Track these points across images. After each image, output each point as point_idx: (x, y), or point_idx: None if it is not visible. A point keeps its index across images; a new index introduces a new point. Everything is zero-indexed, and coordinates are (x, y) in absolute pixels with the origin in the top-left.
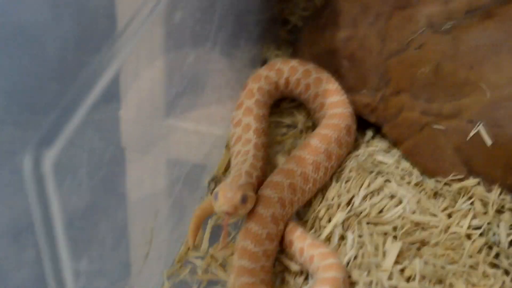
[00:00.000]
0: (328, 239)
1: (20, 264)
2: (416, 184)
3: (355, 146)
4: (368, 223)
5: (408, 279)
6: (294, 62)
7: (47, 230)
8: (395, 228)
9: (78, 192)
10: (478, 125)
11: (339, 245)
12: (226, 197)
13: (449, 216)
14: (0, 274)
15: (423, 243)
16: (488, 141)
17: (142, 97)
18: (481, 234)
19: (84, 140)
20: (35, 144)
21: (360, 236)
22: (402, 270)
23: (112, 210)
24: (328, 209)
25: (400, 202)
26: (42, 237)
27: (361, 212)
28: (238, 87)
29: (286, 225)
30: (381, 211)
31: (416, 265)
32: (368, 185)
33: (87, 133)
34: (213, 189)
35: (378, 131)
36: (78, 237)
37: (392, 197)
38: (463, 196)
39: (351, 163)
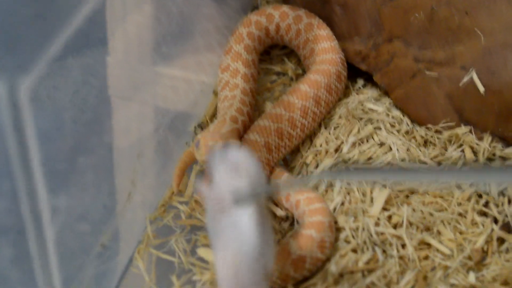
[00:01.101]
0: (316, 186)
1: None
2: (406, 132)
3: (346, 93)
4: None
5: (395, 226)
6: (285, 8)
7: (22, 160)
8: None
9: (58, 129)
10: (471, 72)
11: (326, 191)
12: (207, 145)
13: (439, 163)
14: None
15: (412, 191)
16: (481, 88)
17: (130, 42)
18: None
19: (67, 78)
20: (10, 69)
21: (348, 183)
22: (389, 217)
23: (94, 149)
24: (316, 155)
25: (390, 149)
26: (17, 167)
27: (349, 159)
28: (228, 34)
29: (272, 171)
30: (369, 158)
31: (403, 212)
32: (358, 132)
33: (72, 74)
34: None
35: (370, 79)
36: (56, 172)
37: (381, 144)
38: (454, 143)
39: (340, 110)
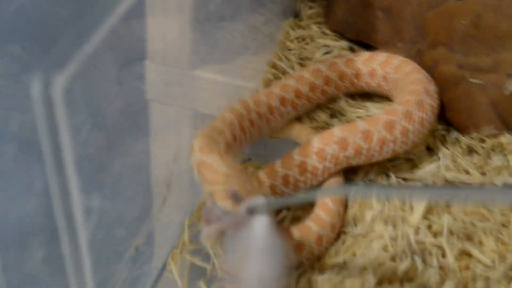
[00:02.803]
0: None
1: (27, 194)
2: (451, 140)
3: None
4: (397, 177)
5: (435, 235)
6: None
7: (56, 159)
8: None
9: (93, 128)
10: None
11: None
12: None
13: (483, 173)
14: (7, 202)
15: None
16: None
17: (169, 45)
18: None
19: (103, 78)
20: (46, 67)
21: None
22: (429, 226)
23: (130, 151)
24: None
25: (438, 158)
26: (51, 166)
27: (393, 166)
28: (268, 39)
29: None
30: (414, 167)
31: (444, 221)
32: None
33: (108, 74)
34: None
35: None
36: (90, 172)
37: (429, 150)
38: (498, 152)
39: None
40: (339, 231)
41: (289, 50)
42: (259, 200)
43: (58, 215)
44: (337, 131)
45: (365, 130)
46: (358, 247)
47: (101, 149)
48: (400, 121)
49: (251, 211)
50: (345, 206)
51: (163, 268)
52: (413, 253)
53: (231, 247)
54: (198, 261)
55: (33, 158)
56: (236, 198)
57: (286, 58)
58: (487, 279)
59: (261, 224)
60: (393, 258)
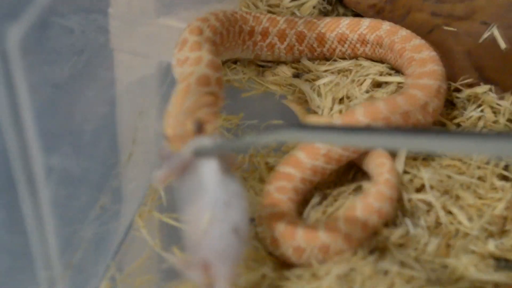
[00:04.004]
0: None
1: None
2: None
3: None
4: None
5: (418, 190)
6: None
7: (13, 116)
8: None
9: (52, 83)
10: (492, 27)
11: None
12: (175, 135)
13: (458, 125)
14: None
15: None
16: (503, 45)
17: None
18: None
19: (62, 29)
20: None
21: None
22: (411, 180)
23: (92, 106)
24: None
25: None
26: (8, 124)
27: None
28: None
29: None
30: None
31: (424, 175)
32: None
33: (67, 24)
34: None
35: None
36: (51, 130)
37: None
38: (473, 103)
39: None
40: None
41: None
42: (205, 141)
43: (17, 174)
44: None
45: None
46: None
47: (61, 104)
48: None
49: (197, 153)
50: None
51: (130, 227)
52: (403, 215)
53: (180, 194)
54: (169, 220)
55: None
56: (198, 128)
57: (254, 5)
58: (466, 235)
59: (209, 168)
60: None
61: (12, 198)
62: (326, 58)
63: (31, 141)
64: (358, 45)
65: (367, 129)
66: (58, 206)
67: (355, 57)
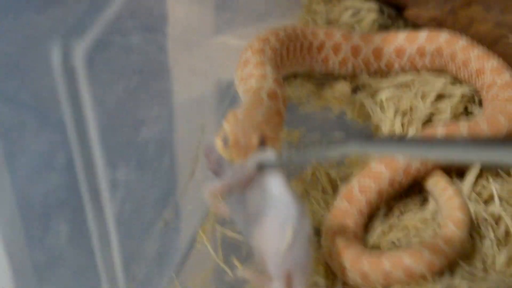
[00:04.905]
0: None
1: (50, 168)
2: None
3: None
4: None
5: (486, 202)
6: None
7: (79, 131)
8: None
9: (115, 98)
10: None
11: None
12: (238, 144)
13: None
14: (29, 177)
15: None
16: None
17: (191, 11)
18: None
19: (124, 45)
20: (64, 32)
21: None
22: (479, 193)
23: (155, 122)
24: None
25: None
26: (74, 139)
27: None
28: (293, 3)
29: None
30: None
31: (493, 186)
32: None
33: (130, 40)
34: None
35: None
36: (115, 145)
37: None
38: None
39: None
40: None
41: (315, 13)
42: (270, 155)
43: (83, 189)
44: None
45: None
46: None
47: (124, 121)
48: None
49: (261, 167)
50: None
51: (193, 241)
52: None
53: (238, 209)
54: (231, 233)
55: (55, 130)
56: (262, 144)
57: (313, 20)
58: None
59: (276, 182)
60: None
61: (77, 213)
62: (383, 74)
63: (97, 156)
64: (417, 58)
65: (435, 141)
66: (122, 221)
67: (414, 70)
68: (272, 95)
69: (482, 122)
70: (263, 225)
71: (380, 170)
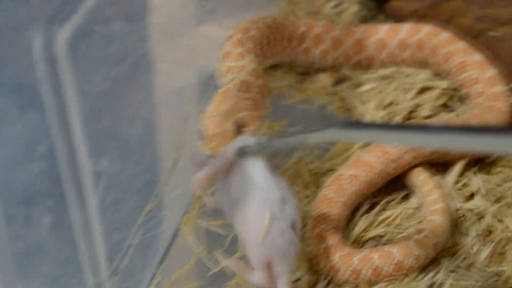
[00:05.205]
0: None
1: (31, 157)
2: None
3: None
4: None
5: (468, 198)
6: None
7: (60, 119)
8: None
9: (98, 86)
10: None
11: None
12: (215, 134)
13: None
14: (9, 166)
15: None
16: None
17: (172, 2)
18: None
19: (106, 32)
20: (45, 20)
21: None
22: (460, 189)
23: (137, 111)
24: None
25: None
26: (56, 128)
27: None
28: None
29: None
30: None
31: (475, 182)
32: None
33: (111, 27)
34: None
35: None
36: (98, 134)
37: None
38: None
39: None
40: None
41: (296, 4)
42: (249, 140)
43: (65, 179)
44: None
45: None
46: None
47: (107, 110)
48: None
49: (241, 152)
50: None
51: (176, 233)
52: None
53: (224, 196)
54: (213, 227)
55: (36, 118)
56: (238, 129)
57: (294, 12)
58: None
59: (256, 167)
60: None
61: (59, 203)
62: (363, 67)
63: (79, 145)
64: (397, 51)
65: (424, 127)
66: (105, 212)
67: (395, 63)
68: (244, 86)
69: (473, 120)
70: (243, 211)
71: (369, 159)
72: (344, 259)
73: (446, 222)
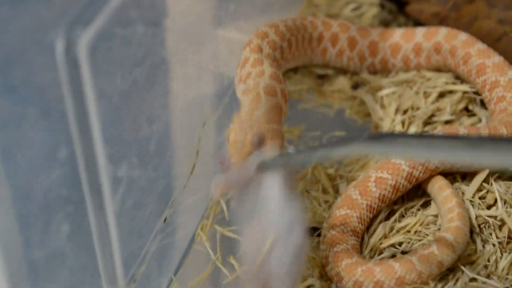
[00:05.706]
0: None
1: (51, 163)
2: None
3: None
4: None
5: (489, 206)
6: None
7: (81, 123)
8: None
9: (118, 90)
10: None
11: None
12: (235, 143)
13: None
14: (29, 172)
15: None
16: None
17: (191, 5)
18: None
19: (127, 36)
20: (67, 23)
21: None
22: (482, 197)
23: (157, 116)
24: None
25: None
26: (76, 133)
27: None
28: None
29: None
30: None
31: (495, 190)
32: None
33: (132, 31)
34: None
35: None
36: (117, 139)
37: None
38: None
39: None
40: None
41: (316, 6)
42: (271, 154)
43: (85, 185)
44: None
45: None
46: None
47: (125, 115)
48: None
49: (261, 168)
50: None
51: (192, 239)
52: (473, 231)
53: (241, 208)
54: (229, 233)
55: (57, 123)
56: (258, 142)
57: (314, 15)
58: None
59: (274, 186)
60: None
61: (78, 210)
62: (376, 70)
63: (99, 150)
64: (412, 56)
65: (452, 140)
66: (123, 218)
67: (409, 68)
68: (270, 91)
69: (500, 127)
70: (251, 228)
71: (382, 175)
72: (349, 268)
73: (464, 229)
